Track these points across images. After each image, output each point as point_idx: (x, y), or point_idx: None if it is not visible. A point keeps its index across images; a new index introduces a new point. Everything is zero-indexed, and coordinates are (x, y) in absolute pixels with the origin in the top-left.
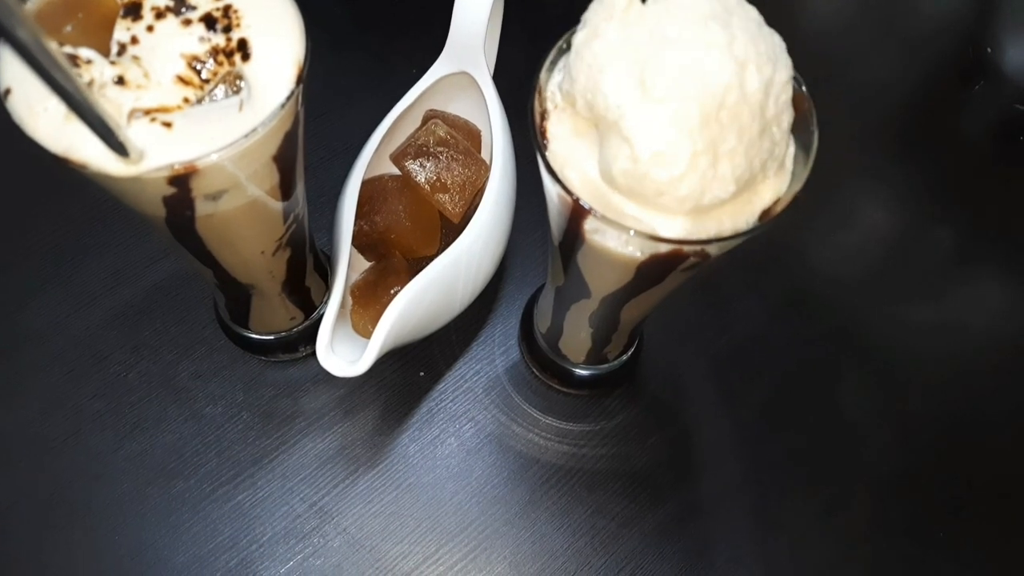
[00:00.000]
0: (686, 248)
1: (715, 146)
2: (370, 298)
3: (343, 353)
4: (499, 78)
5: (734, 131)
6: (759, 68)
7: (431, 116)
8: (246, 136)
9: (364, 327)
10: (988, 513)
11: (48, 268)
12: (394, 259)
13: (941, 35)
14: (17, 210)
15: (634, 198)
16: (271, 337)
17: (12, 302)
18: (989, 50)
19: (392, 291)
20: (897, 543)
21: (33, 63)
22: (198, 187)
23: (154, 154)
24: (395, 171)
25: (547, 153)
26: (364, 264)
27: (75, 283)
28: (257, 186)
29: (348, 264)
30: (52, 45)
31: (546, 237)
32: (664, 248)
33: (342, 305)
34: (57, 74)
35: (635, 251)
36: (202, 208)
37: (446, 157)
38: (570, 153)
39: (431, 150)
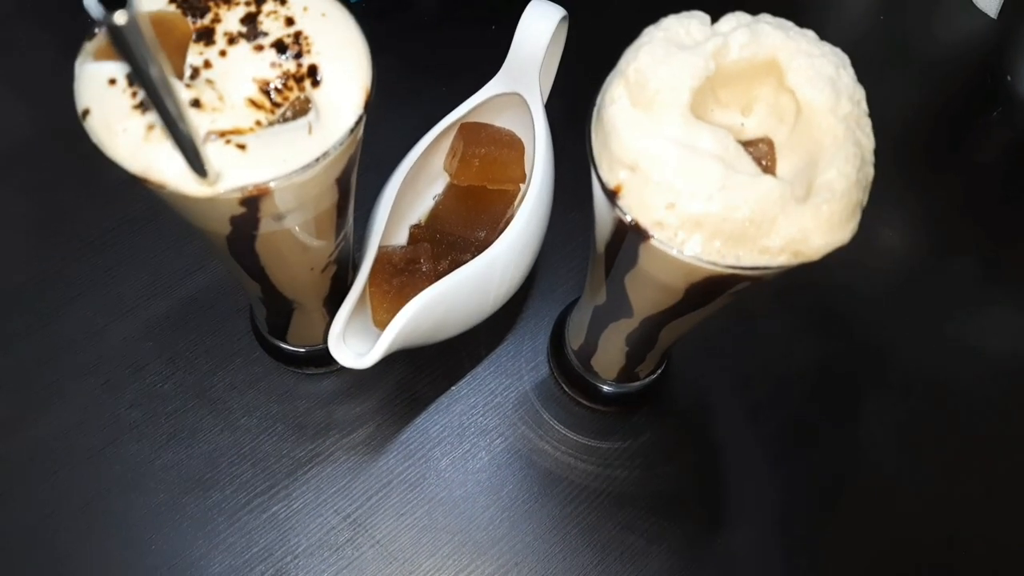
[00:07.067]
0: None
1: None
2: (395, 297)
3: (362, 349)
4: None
5: None
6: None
7: (469, 128)
8: (318, 160)
9: (384, 324)
10: (1016, 534)
11: (85, 279)
12: (430, 262)
13: (959, 61)
14: (54, 220)
15: None
16: (307, 350)
17: (50, 311)
18: (1009, 77)
19: (418, 291)
20: (923, 561)
21: (156, 99)
22: (267, 208)
23: (229, 175)
24: (438, 188)
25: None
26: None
27: (111, 294)
28: (319, 206)
29: (373, 262)
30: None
31: (576, 255)
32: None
33: (364, 302)
34: (168, 101)
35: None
36: (266, 227)
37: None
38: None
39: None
